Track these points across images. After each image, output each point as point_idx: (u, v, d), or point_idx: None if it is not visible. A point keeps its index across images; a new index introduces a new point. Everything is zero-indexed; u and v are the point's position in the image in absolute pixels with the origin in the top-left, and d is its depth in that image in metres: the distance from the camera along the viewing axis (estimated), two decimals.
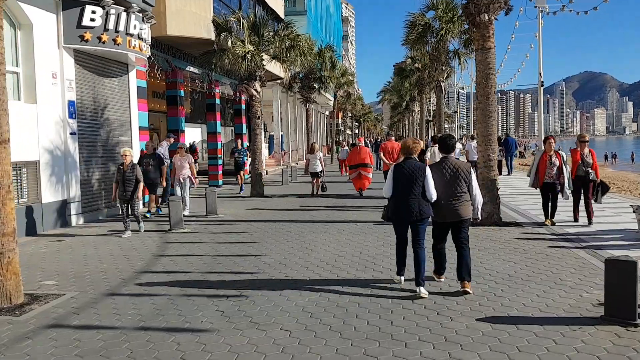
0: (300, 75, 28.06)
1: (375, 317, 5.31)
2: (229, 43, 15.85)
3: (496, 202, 10.77)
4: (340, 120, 61.27)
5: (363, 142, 17.62)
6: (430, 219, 6.15)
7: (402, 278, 6.40)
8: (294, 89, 29.02)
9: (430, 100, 57.46)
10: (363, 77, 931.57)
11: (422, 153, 15.54)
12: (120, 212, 10.68)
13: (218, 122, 21.14)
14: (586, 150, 10.32)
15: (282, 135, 35.64)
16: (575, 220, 10.53)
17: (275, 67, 19.58)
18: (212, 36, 16.11)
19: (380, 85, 64.25)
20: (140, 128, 14.69)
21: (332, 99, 41.13)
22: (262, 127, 29.16)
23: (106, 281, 6.97)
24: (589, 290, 6.06)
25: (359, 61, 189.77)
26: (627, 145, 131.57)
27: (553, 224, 10.36)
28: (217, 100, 21.11)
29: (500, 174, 24.66)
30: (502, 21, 27.40)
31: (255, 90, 16.79)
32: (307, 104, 28.07)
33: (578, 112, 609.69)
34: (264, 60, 16.93)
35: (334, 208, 14.03)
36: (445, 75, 21.88)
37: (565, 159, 10.29)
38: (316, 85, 28.11)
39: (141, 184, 10.41)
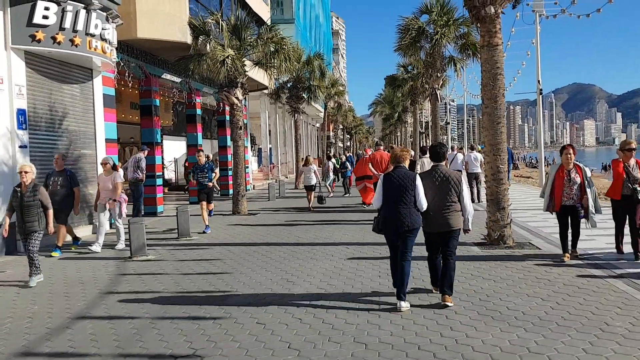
0: (289, 85, 26.71)
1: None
2: (208, 47, 14.50)
3: (507, 221, 9.39)
4: (331, 132, 60.05)
5: (369, 153, 16.01)
6: (420, 230, 5.94)
7: (406, 304, 5.77)
8: (281, 99, 27.65)
9: (422, 112, 56.41)
10: (354, 91, 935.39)
11: (412, 165, 14.74)
12: (24, 249, 8.00)
13: (199, 134, 19.70)
14: (632, 161, 8.05)
15: (270, 148, 34.26)
16: (619, 252, 8.22)
17: (259, 75, 18.23)
18: (189, 39, 14.74)
19: (372, 98, 63.07)
20: (108, 140, 13.22)
21: (323, 110, 39.85)
22: (249, 139, 27.94)
23: (27, 333, 5.47)
24: None
25: (349, 74, 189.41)
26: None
27: (576, 257, 8.01)
28: (198, 111, 19.69)
29: None
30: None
31: (237, 98, 15.40)
32: (296, 115, 26.68)
33: (568, 123, 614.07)
34: (245, 65, 15.57)
35: (324, 223, 12.59)
36: (441, 82, 20.58)
37: (588, 175, 7.94)
38: (305, 95, 26.77)
39: (49, 212, 7.73)
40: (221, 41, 14.90)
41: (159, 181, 16.37)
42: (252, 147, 44.33)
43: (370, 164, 14.33)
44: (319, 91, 26.76)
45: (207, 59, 14.48)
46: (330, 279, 7.18)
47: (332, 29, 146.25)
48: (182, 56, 15.28)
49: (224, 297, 6.50)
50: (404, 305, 5.68)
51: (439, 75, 20.39)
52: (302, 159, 22.99)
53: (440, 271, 6.08)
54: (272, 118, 35.25)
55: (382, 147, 15.38)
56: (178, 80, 18.21)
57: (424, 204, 5.78)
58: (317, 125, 54.89)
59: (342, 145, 67.13)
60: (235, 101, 15.36)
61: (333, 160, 23.30)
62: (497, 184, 9.43)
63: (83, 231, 12.05)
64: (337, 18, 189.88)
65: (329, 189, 20.93)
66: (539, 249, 9.01)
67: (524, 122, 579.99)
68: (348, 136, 76.02)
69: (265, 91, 27.76)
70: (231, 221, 13.96)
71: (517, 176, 37.07)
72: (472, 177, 16.18)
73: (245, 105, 25.94)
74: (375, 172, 13.87)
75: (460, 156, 16.67)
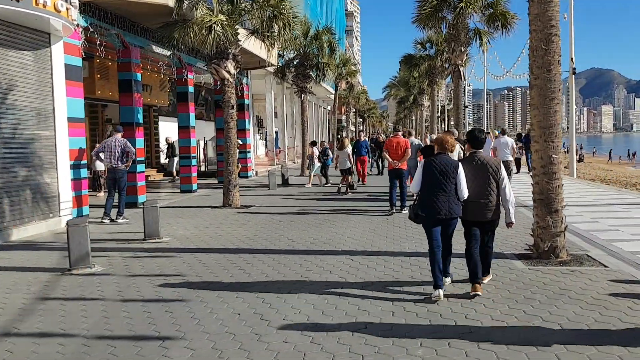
0: (295, 62, 24.40)
1: None
2: (195, 12, 12.32)
3: (562, 228, 7.17)
4: (343, 115, 57.65)
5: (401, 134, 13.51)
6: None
7: (442, 292, 5.46)
8: (287, 78, 25.36)
9: (438, 96, 53.71)
10: (368, 75, 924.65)
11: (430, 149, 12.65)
12: None
13: (191, 115, 17.57)
14: None
15: (276, 131, 32.08)
16: None
17: (255, 46, 16.01)
18: (171, 2, 12.52)
19: (386, 82, 60.00)
20: (71, 119, 11.16)
21: (333, 91, 37.51)
22: (251, 122, 25.81)
23: None
24: None
25: (364, 58, 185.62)
26: (636, 142, 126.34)
27: None
28: (190, 88, 17.52)
29: (518, 171, 21.45)
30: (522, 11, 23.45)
31: (228, 72, 13.21)
32: (303, 96, 24.40)
33: (585, 108, 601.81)
34: (239, 34, 13.35)
35: (328, 214, 10.42)
36: (465, 57, 18.16)
37: None
38: (312, 74, 24.44)
39: None
40: (210, 5, 12.70)
41: (141, 167, 14.28)
42: (259, 130, 42.36)
43: (385, 150, 12.29)
44: (328, 69, 24.39)
45: (194, 26, 12.31)
46: (322, 321, 5.04)
47: (347, 10, 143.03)
48: (164, 22, 13.08)
49: (160, 350, 4.39)
50: (440, 292, 5.45)
51: (462, 49, 17.98)
52: (314, 142, 20.91)
53: (478, 266, 5.68)
54: (278, 100, 33.01)
55: (399, 133, 12.97)
56: (167, 53, 16.06)
57: (465, 193, 5.58)
58: (328, 107, 52.49)
59: (354, 129, 64.74)
60: (226, 75, 13.18)
61: (327, 146, 21.18)
62: (548, 178, 7.18)
63: (38, 228, 10.05)
64: (352, 0, 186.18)
65: (312, 177, 19.47)
66: (605, 266, 6.78)
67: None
68: (361, 120, 73.47)
69: (270, 69, 25.50)
70: (217, 217, 11.87)
71: None
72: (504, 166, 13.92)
73: (247, 84, 23.75)
74: (390, 159, 11.85)
75: (488, 141, 14.38)
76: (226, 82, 13.26)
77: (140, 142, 14.43)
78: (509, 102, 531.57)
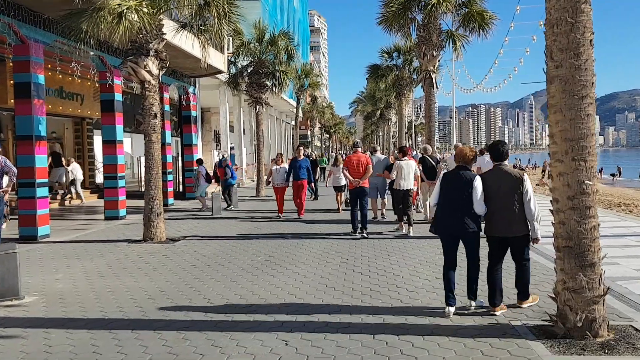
0: (249, 70, 21.85)
1: None
2: None
3: (600, 291, 4.77)
4: (308, 130, 55.33)
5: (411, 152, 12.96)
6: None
7: (451, 310, 5.40)
8: (240, 87, 22.77)
9: (406, 111, 51.93)
10: (336, 91, 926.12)
11: (389, 168, 12.21)
12: None
13: (118, 127, 14.78)
14: None
15: (231, 147, 29.38)
16: None
17: (188, 45, 13.43)
18: None
19: (354, 99, 57.87)
20: None
21: (295, 103, 35.11)
22: (199, 136, 23.10)
23: None
24: None
25: (332, 74, 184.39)
26: (610, 160, 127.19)
27: None
28: (117, 96, 14.74)
29: None
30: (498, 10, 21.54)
31: (149, 72, 10.58)
32: (258, 107, 21.83)
33: (547, 125, 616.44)
34: (163, 25, 10.76)
35: (269, 256, 7.81)
36: (437, 63, 15.93)
37: None
38: (268, 83, 21.93)
39: None
40: None
41: (42, 191, 11.43)
42: (217, 146, 39.47)
43: (345, 168, 10.99)
44: (285, 78, 21.92)
45: (106, 14, 9.67)
46: None
47: (314, 26, 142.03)
48: (68, 11, 10.36)
49: None
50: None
51: (434, 54, 15.75)
52: (200, 160, 18.08)
53: (499, 286, 5.48)
54: (235, 112, 30.40)
55: (359, 149, 11.31)
56: (90, 52, 13.35)
57: (481, 208, 5.44)
58: (292, 122, 50.07)
59: (319, 144, 62.54)
60: (147, 76, 10.53)
61: (229, 163, 18.50)
62: (579, 216, 4.78)
63: None
64: (319, 17, 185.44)
65: (201, 200, 16.97)
66: None
67: (504, 124, 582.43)
68: (327, 135, 71.36)
69: (221, 77, 22.90)
70: (128, 257, 9.12)
71: None
72: None
73: (194, 94, 21.10)
74: (351, 178, 10.71)
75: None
76: (147, 85, 10.60)
77: (42, 159, 11.60)
78: (473, 119, 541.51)
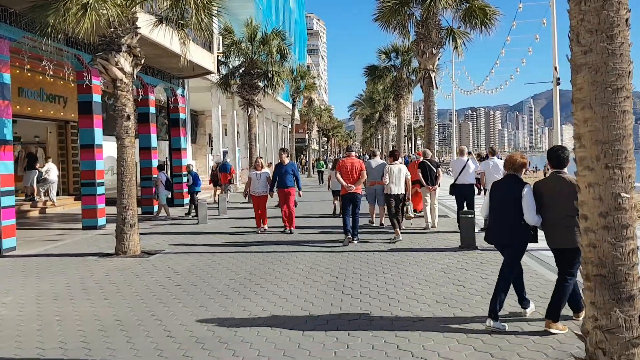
0: (241, 71, 20.94)
1: None
2: None
3: (639, 329, 3.82)
4: (305, 134, 54.38)
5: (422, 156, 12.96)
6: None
7: (492, 322, 5.15)
8: (232, 89, 21.86)
9: (405, 113, 50.98)
10: (335, 94, 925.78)
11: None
12: None
13: (97, 130, 13.86)
14: None
15: (224, 151, 28.45)
16: None
17: (174, 44, 12.50)
18: None
19: (353, 101, 56.69)
20: None
21: (290, 105, 34.19)
22: (188, 140, 22.18)
23: None
24: None
25: (331, 78, 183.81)
26: None
27: None
28: (96, 97, 13.84)
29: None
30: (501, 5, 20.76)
31: (121, 69, 9.65)
32: (250, 109, 20.91)
33: (546, 128, 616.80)
34: (137, 19, 9.85)
35: (250, 274, 6.83)
36: (437, 61, 15.00)
37: None
38: (261, 84, 21.02)
39: None
40: None
41: (7, 200, 10.48)
42: (211, 150, 38.52)
43: (338, 173, 10.38)
44: (278, 79, 21.01)
45: (73, 5, 8.76)
46: None
47: (313, 29, 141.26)
48: (31, 3, 9.44)
49: None
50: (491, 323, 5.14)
51: (434, 51, 14.84)
52: (161, 166, 16.94)
53: (578, 295, 5.20)
54: (228, 115, 29.50)
55: (353, 153, 10.87)
56: (68, 49, 12.44)
57: (532, 218, 5.11)
58: (289, 126, 49.19)
59: (317, 148, 61.63)
60: (119, 74, 9.60)
61: (193, 168, 17.26)
62: (614, 237, 3.83)
63: None
64: (319, 20, 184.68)
65: (161, 209, 16.15)
66: None
67: (503, 127, 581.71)
68: (325, 139, 70.43)
69: (212, 78, 21.99)
70: (93, 274, 8.18)
71: None
72: None
73: (182, 96, 20.17)
74: (344, 183, 10.16)
75: (471, 165, 11.11)
76: (119, 84, 9.67)
77: (7, 165, 10.66)
78: (472, 122, 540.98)
